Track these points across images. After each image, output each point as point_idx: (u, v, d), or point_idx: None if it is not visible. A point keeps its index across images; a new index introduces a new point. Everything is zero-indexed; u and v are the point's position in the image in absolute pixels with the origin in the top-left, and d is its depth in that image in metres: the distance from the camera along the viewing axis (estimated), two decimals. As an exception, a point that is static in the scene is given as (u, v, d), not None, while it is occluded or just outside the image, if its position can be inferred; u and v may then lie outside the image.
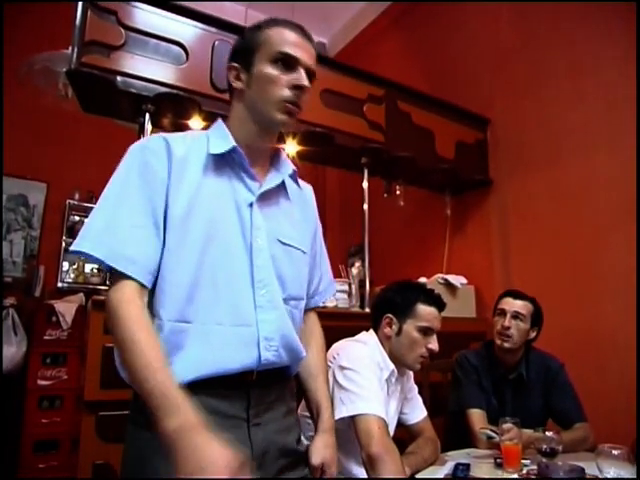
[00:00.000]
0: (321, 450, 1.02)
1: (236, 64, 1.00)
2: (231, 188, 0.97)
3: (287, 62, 0.95)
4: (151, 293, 0.89)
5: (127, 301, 0.83)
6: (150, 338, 0.81)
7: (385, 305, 1.57)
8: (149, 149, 0.93)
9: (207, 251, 0.91)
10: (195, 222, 0.91)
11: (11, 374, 2.91)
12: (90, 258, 0.85)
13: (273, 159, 1.07)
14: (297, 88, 0.95)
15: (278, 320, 0.96)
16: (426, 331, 1.50)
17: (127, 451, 0.91)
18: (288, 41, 0.96)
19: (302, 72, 0.96)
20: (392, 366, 1.50)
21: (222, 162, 0.98)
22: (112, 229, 0.86)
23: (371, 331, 1.59)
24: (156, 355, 0.80)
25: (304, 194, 1.15)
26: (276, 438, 0.95)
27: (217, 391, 0.88)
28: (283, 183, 1.06)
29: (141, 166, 0.91)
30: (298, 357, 1.02)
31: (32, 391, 3.00)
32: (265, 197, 1.00)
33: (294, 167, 1.08)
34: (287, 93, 0.95)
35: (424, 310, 1.51)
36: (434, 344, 1.50)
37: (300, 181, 1.14)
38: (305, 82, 0.96)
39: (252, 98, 0.98)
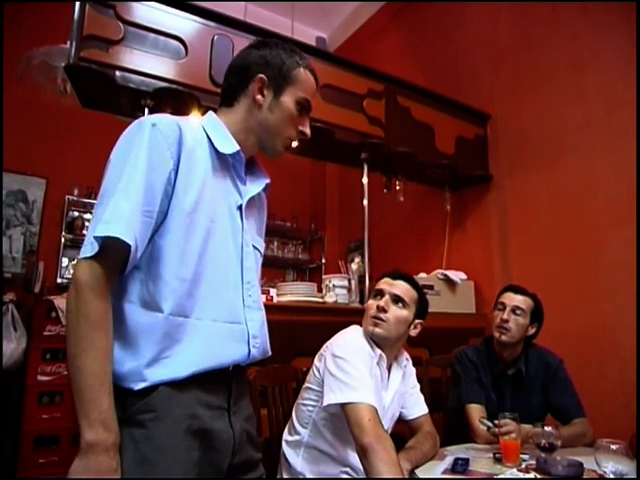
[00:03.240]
0: None
1: (266, 78, 1.03)
2: (226, 189, 1.02)
3: (305, 108, 1.08)
4: (146, 283, 0.89)
5: (100, 292, 0.82)
6: (110, 347, 0.83)
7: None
8: (161, 132, 0.91)
9: (207, 249, 0.94)
10: (200, 218, 0.93)
11: (11, 370, 2.91)
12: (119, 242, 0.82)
13: (249, 165, 1.11)
14: (301, 133, 1.09)
15: (261, 320, 1.04)
16: (375, 294, 1.53)
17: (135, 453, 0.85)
18: (312, 90, 1.10)
19: (308, 120, 1.11)
20: (379, 351, 1.50)
21: (222, 162, 1.01)
22: (118, 213, 0.84)
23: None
24: (109, 368, 0.82)
25: (263, 200, 1.21)
26: (245, 425, 1.01)
27: (207, 384, 0.91)
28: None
29: (151, 148, 0.89)
30: (268, 354, 1.09)
31: (32, 387, 3.01)
32: (247, 202, 1.06)
33: (268, 176, 1.14)
34: (294, 134, 1.08)
35: (377, 282, 1.55)
36: (380, 302, 1.52)
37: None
38: (309, 132, 1.11)
39: (268, 121, 1.04)
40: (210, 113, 1.08)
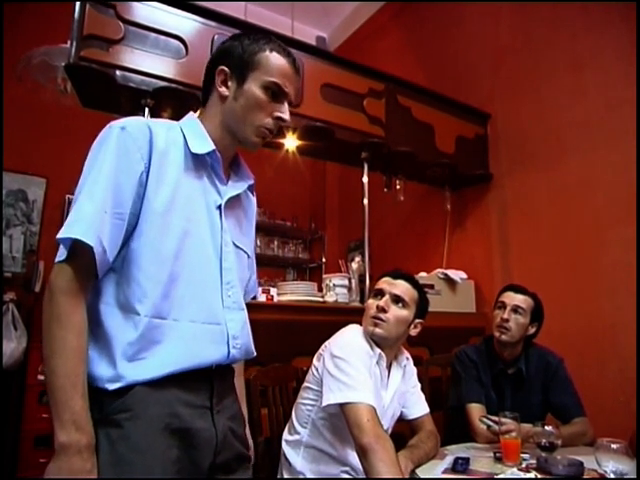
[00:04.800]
0: None
1: (227, 69, 1.00)
2: (203, 189, 1.00)
3: (276, 93, 1.00)
4: (122, 286, 0.89)
5: (72, 295, 0.83)
6: (82, 348, 0.83)
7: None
8: (130, 134, 0.90)
9: (183, 249, 0.93)
10: (174, 219, 0.92)
11: (11, 369, 2.91)
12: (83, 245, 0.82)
13: (232, 163, 1.10)
14: (278, 119, 1.02)
15: (242, 320, 1.03)
16: (375, 294, 1.52)
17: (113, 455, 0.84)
18: (282, 73, 1.00)
19: (286, 106, 1.02)
20: (378, 350, 1.50)
21: (198, 162, 1.00)
22: (81, 214, 0.85)
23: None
24: (82, 369, 0.82)
25: (251, 200, 1.19)
26: (230, 424, 1.00)
27: (186, 383, 0.91)
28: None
29: (119, 150, 0.88)
30: (251, 354, 1.08)
31: (32, 386, 3.00)
32: (228, 201, 1.04)
33: (253, 177, 1.12)
34: (268, 121, 1.01)
35: (377, 282, 1.54)
36: (380, 302, 1.50)
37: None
38: (287, 117, 1.02)
39: (235, 111, 1.00)
40: (190, 113, 1.07)
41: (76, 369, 0.81)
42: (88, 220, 0.83)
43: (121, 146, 0.89)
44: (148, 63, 2.00)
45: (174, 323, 0.90)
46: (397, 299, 1.52)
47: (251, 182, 1.11)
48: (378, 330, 1.49)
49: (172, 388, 0.88)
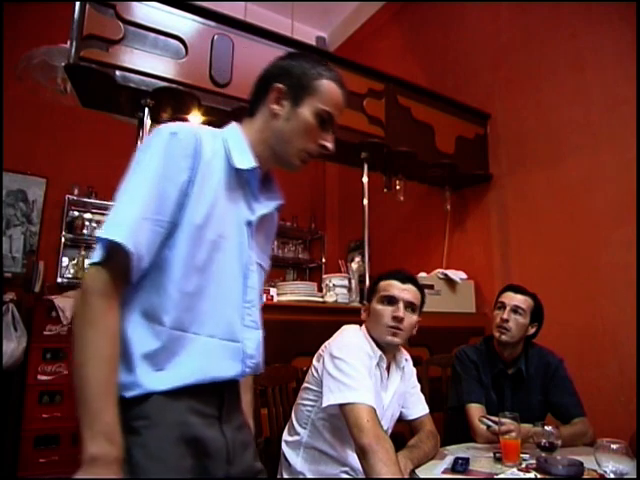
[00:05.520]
0: None
1: (284, 88, 1.00)
2: (238, 204, 0.98)
3: (326, 122, 1.02)
4: (149, 294, 0.88)
5: (107, 299, 0.81)
6: (116, 356, 0.82)
7: (364, 297, 1.52)
8: (179, 141, 0.89)
9: (211, 263, 0.92)
10: (208, 233, 0.91)
11: (11, 369, 2.91)
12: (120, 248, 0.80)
13: (265, 181, 1.08)
14: (322, 147, 1.03)
15: (258, 339, 1.01)
16: (388, 300, 1.51)
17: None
18: (336, 103, 1.03)
19: (332, 135, 1.04)
20: (379, 352, 1.51)
21: (237, 175, 0.98)
22: (123, 217, 0.83)
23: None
24: (114, 378, 0.80)
25: (274, 218, 1.16)
26: (238, 434, 0.99)
27: (198, 394, 0.90)
28: None
29: (167, 157, 0.88)
30: (260, 371, 1.08)
31: (32, 386, 3.01)
32: (258, 219, 1.03)
33: (282, 197, 1.11)
34: (313, 147, 1.02)
35: (383, 283, 1.53)
36: (398, 312, 1.49)
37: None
38: (332, 146, 1.04)
39: (283, 132, 1.00)
40: (232, 124, 1.05)
41: (110, 377, 0.79)
42: (130, 225, 0.82)
43: (169, 152, 0.88)
44: (148, 63, 2.00)
45: (194, 337, 0.89)
46: (409, 305, 1.53)
47: (281, 203, 1.09)
48: (397, 339, 1.51)
49: (186, 398, 0.88)
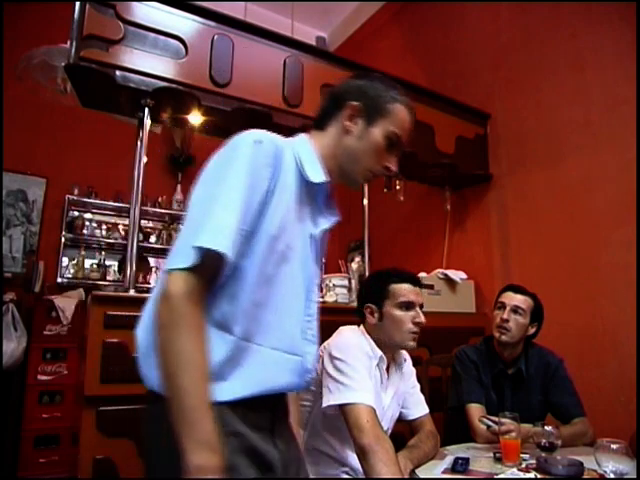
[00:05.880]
0: None
1: (359, 105, 1.02)
2: (305, 216, 0.99)
3: (394, 144, 1.04)
4: (221, 302, 0.86)
5: (196, 306, 0.80)
6: (208, 364, 0.81)
7: (363, 297, 1.61)
8: (264, 150, 0.89)
9: (279, 275, 0.91)
10: (279, 243, 0.90)
11: (11, 369, 2.91)
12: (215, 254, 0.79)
13: (326, 197, 1.08)
14: (387, 169, 1.06)
15: (316, 354, 1.02)
16: (407, 306, 1.52)
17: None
18: (406, 128, 1.05)
19: (396, 157, 1.07)
20: (380, 352, 1.51)
21: (308, 188, 0.98)
22: (221, 226, 0.82)
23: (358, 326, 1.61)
24: (208, 386, 0.79)
25: (327, 232, 1.16)
26: (289, 448, 0.99)
27: (253, 406, 0.89)
28: None
29: (252, 166, 0.87)
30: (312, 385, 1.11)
31: (32, 386, 3.01)
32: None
33: (339, 215, 1.10)
34: (378, 168, 1.05)
35: (397, 288, 1.53)
36: (420, 317, 1.52)
37: None
38: (395, 169, 1.07)
39: (353, 149, 1.02)
40: (302, 136, 1.05)
41: (206, 386, 0.79)
42: (229, 234, 0.81)
43: (254, 161, 0.88)
44: (148, 63, 1.99)
45: (258, 347, 0.89)
46: (421, 307, 1.57)
47: (338, 219, 1.09)
48: (415, 344, 1.54)
49: (240, 409, 0.86)
